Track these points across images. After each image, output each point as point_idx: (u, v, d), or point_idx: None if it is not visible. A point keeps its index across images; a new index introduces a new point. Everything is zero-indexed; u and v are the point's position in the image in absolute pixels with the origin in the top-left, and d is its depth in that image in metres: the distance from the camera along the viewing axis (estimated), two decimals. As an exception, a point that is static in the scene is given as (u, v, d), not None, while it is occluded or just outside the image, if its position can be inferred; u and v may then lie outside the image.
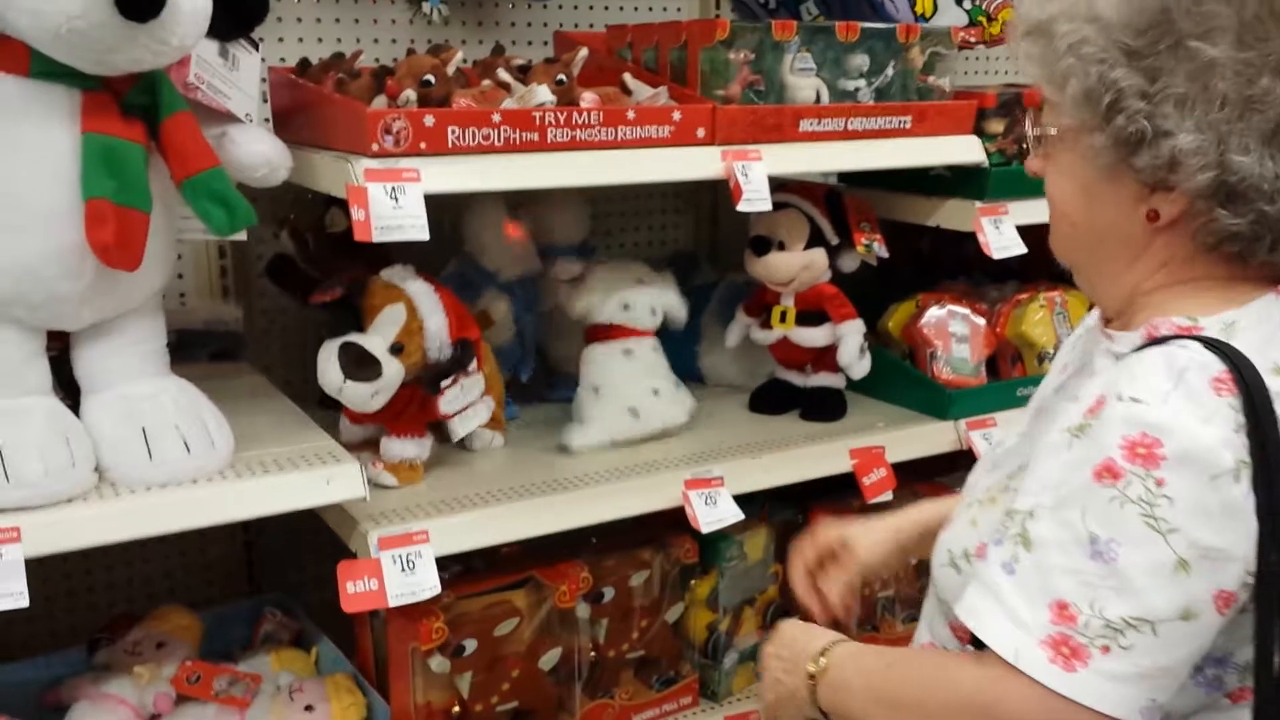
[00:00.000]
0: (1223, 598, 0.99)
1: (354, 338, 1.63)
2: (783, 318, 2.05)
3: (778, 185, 1.90)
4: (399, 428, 1.73)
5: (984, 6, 2.42)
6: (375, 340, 1.63)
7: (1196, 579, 0.97)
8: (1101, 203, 1.12)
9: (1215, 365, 1.01)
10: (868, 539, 1.49)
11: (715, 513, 1.78)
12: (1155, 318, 1.10)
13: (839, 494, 2.05)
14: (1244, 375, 1.01)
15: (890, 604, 2.13)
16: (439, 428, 1.78)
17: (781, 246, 2.01)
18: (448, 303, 1.70)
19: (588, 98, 1.71)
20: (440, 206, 1.51)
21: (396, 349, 1.64)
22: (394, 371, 1.63)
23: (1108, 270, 1.15)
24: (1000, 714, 1.01)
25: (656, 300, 1.95)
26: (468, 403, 1.74)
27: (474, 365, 1.72)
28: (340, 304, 1.65)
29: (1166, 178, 1.06)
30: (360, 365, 1.60)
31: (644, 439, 1.94)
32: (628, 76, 1.83)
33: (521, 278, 2.04)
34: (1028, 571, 1.02)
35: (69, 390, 1.49)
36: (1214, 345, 1.03)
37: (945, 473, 2.15)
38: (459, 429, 1.77)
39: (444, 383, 1.68)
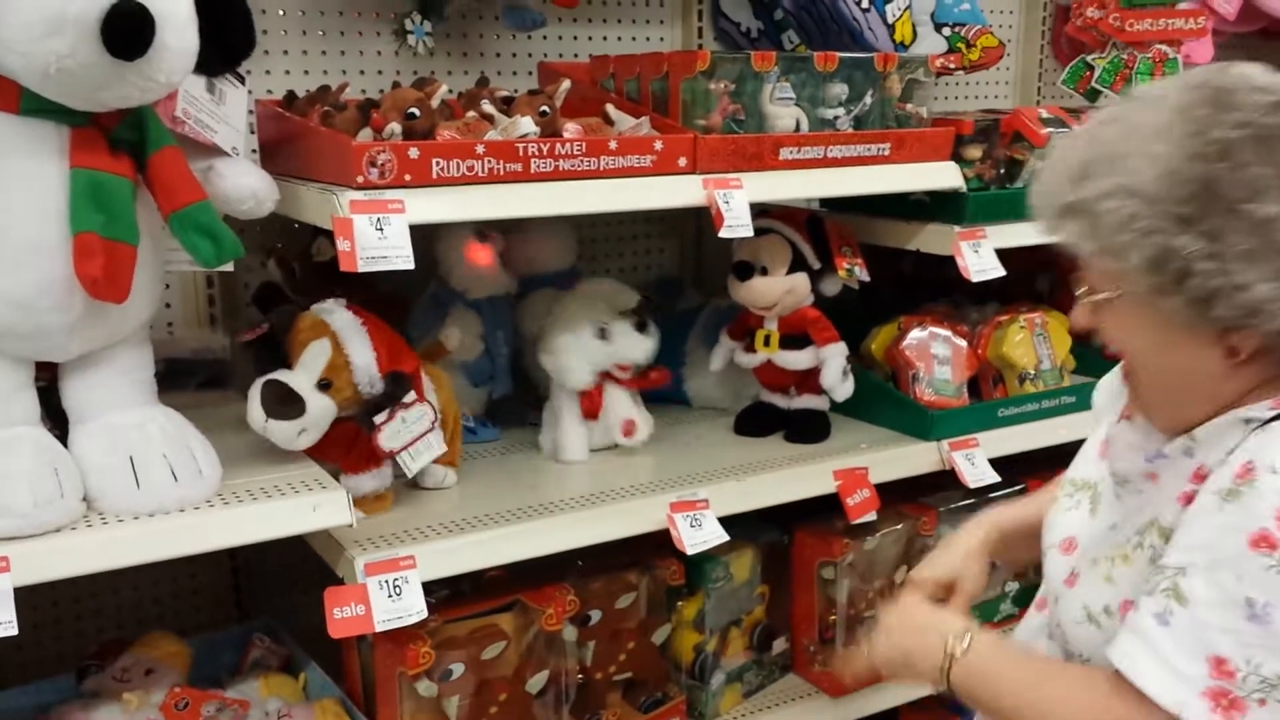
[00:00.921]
0: None
1: (278, 375, 1.61)
2: (766, 341, 2.08)
3: (760, 211, 1.93)
4: (351, 464, 1.71)
5: (963, 33, 2.45)
6: (300, 377, 1.61)
7: None
8: (1177, 350, 1.17)
9: None
10: (971, 573, 1.54)
11: (700, 535, 1.80)
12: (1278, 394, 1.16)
13: (824, 515, 2.07)
14: None
15: (875, 621, 2.13)
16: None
17: (764, 271, 2.03)
18: (376, 336, 1.67)
19: (571, 128, 1.74)
20: (416, 229, 1.53)
21: (324, 385, 1.62)
22: (320, 408, 1.61)
23: (1189, 401, 1.21)
24: None
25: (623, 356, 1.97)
26: (414, 436, 1.69)
27: (411, 397, 1.68)
28: (253, 342, 1.62)
29: (1247, 322, 1.10)
30: (283, 403, 1.57)
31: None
32: (610, 107, 1.86)
33: (491, 297, 2.07)
34: (1183, 626, 1.11)
35: (57, 420, 1.51)
36: None
37: (929, 493, 2.17)
38: (410, 464, 1.71)
39: (378, 418, 1.65)
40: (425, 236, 1.88)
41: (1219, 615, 1.09)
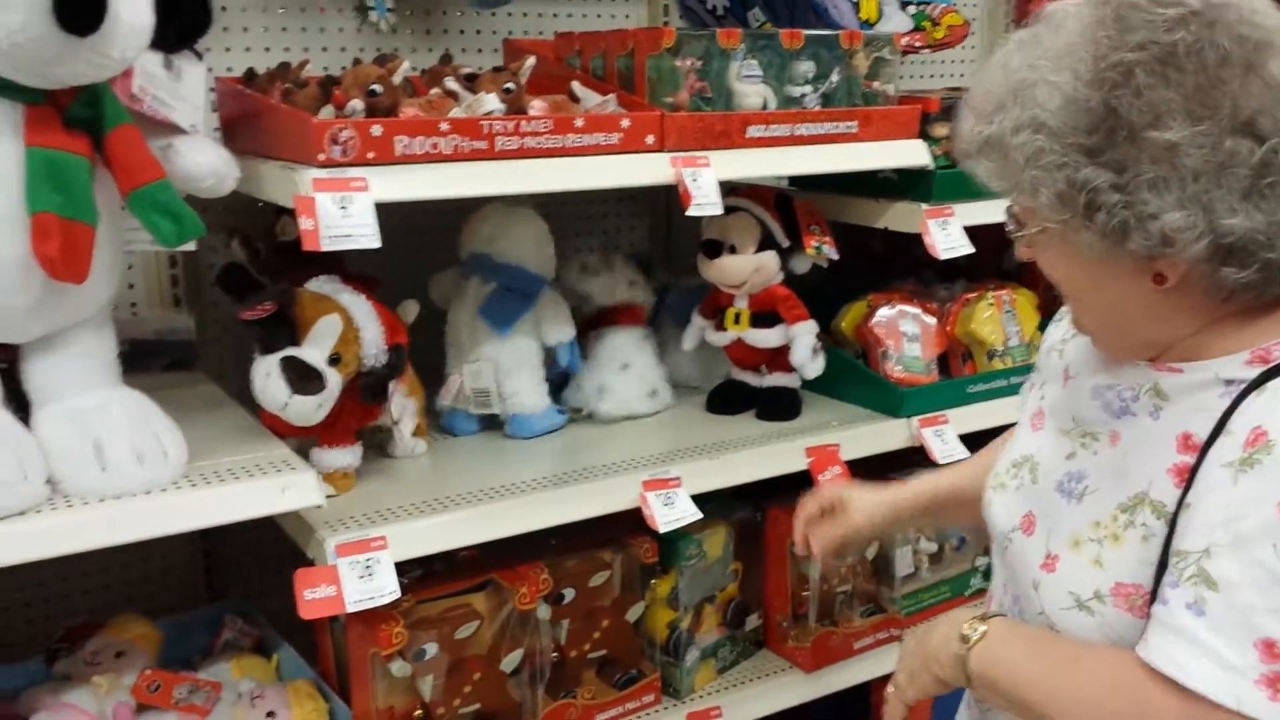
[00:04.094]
0: None
1: (293, 351, 1.61)
2: (736, 319, 2.08)
3: (728, 190, 1.93)
4: (331, 438, 1.72)
5: (928, 12, 2.46)
6: (313, 353, 1.62)
7: None
8: (1105, 281, 1.13)
9: None
10: (864, 503, 1.59)
11: (673, 513, 1.80)
12: (1252, 344, 1.11)
13: (795, 492, 2.07)
14: None
15: (849, 599, 2.16)
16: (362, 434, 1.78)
17: (733, 249, 2.03)
18: (378, 309, 1.71)
19: (536, 105, 1.73)
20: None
21: (334, 360, 1.63)
22: (335, 383, 1.63)
23: (1133, 331, 1.17)
24: None
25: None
26: (405, 408, 1.76)
27: (407, 370, 1.73)
28: (263, 320, 1.62)
29: (1164, 251, 1.06)
30: (305, 379, 1.59)
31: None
32: (576, 84, 1.85)
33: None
34: (1221, 613, 1.02)
35: (19, 403, 1.49)
36: None
37: (900, 469, 2.18)
38: (404, 434, 1.78)
39: (391, 387, 1.69)
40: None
41: (1260, 595, 1.01)
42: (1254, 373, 1.09)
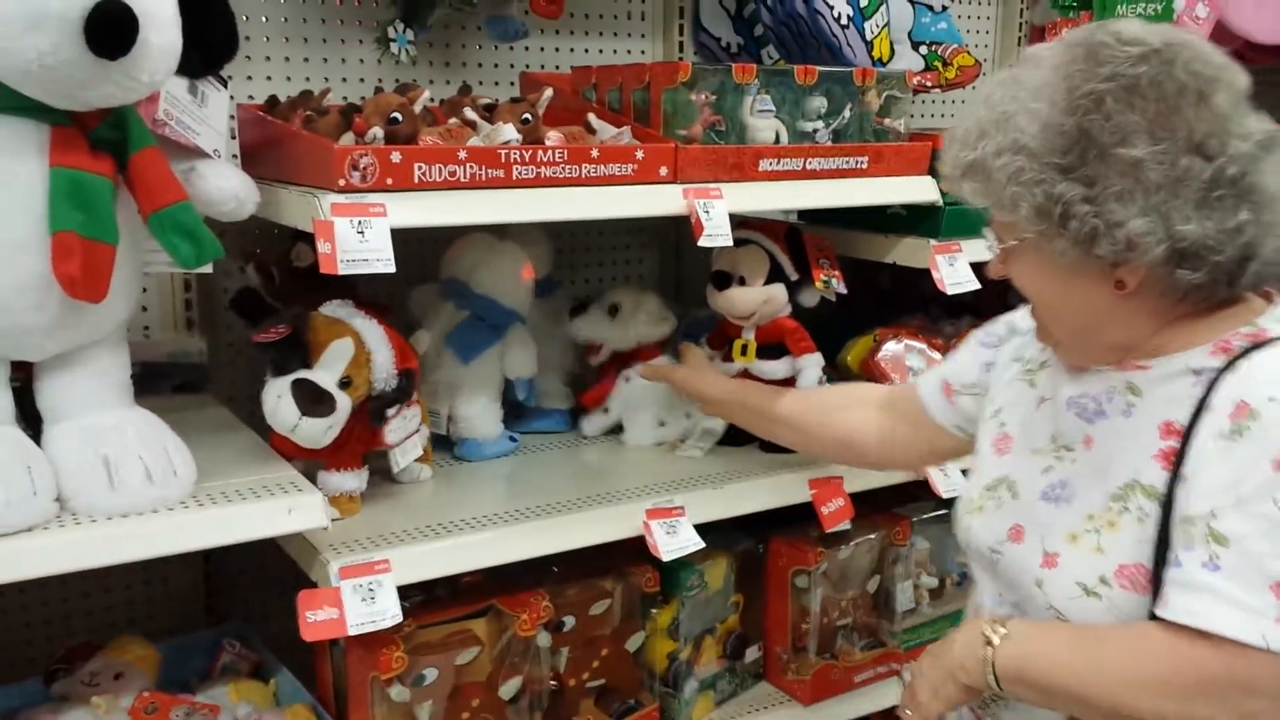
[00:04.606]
0: None
1: (305, 374, 1.63)
2: (744, 351, 2.09)
3: (739, 223, 1.94)
4: (338, 461, 1.73)
5: (940, 52, 2.48)
6: (325, 375, 1.64)
7: None
8: (1073, 288, 1.29)
9: None
10: (710, 374, 1.96)
11: (676, 541, 1.81)
12: (1210, 338, 1.26)
13: (798, 525, 2.08)
14: None
15: (849, 632, 2.16)
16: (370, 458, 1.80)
17: (742, 281, 2.05)
18: (390, 335, 1.72)
19: (552, 136, 1.75)
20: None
21: (344, 383, 1.65)
22: (345, 406, 1.64)
23: (1096, 337, 1.32)
24: (1259, 686, 1.15)
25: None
26: (409, 432, 1.77)
27: (415, 395, 1.75)
28: (277, 343, 1.64)
29: (1128, 257, 1.22)
30: (316, 402, 1.60)
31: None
32: (592, 116, 1.87)
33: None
34: (1235, 564, 1.16)
35: (31, 421, 1.50)
36: None
37: (903, 503, 2.19)
38: (400, 460, 1.79)
39: (389, 412, 1.70)
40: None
41: (1268, 543, 1.15)
42: (1219, 362, 1.24)
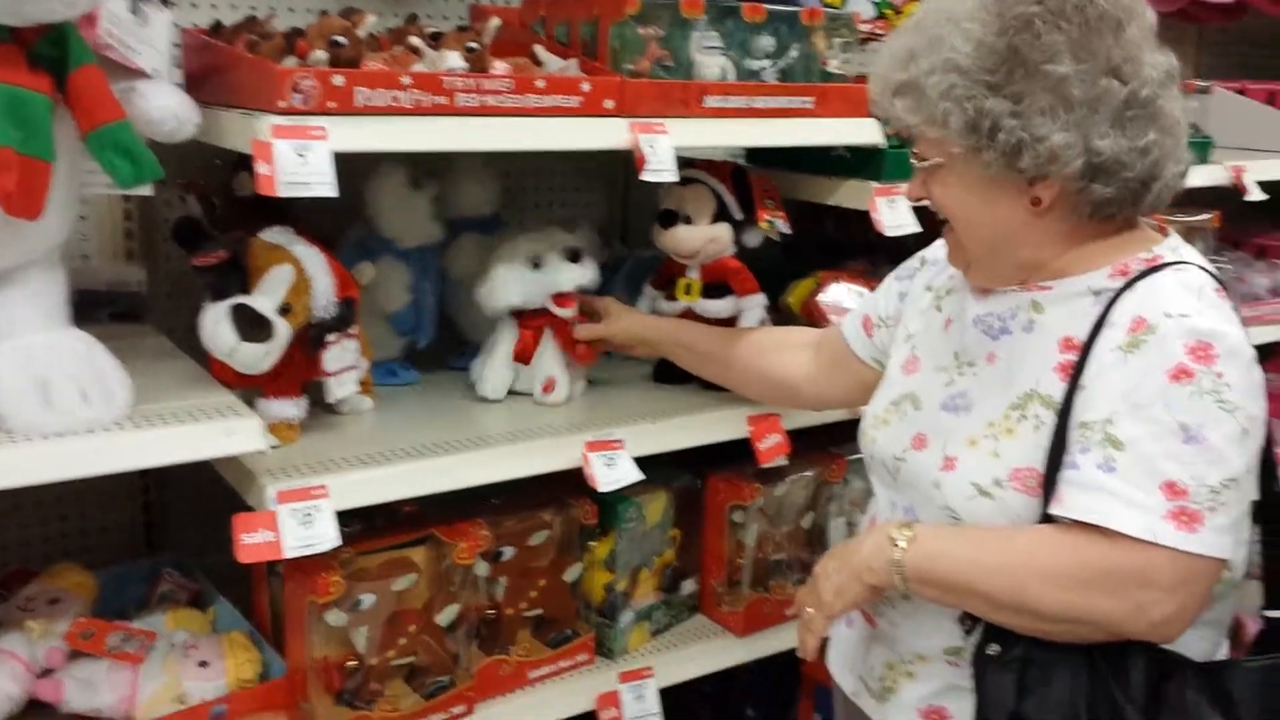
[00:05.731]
0: (1258, 452, 1.30)
1: (244, 299, 1.62)
2: (688, 290, 2.10)
3: (686, 163, 1.95)
4: (276, 388, 1.73)
5: (891, 0, 2.50)
6: (264, 301, 1.63)
7: (1252, 440, 1.27)
8: (992, 203, 1.37)
9: (1210, 280, 1.34)
10: (628, 316, 2.02)
11: (614, 474, 1.83)
12: (1110, 261, 1.36)
13: (737, 461, 2.12)
14: (1223, 284, 1.33)
15: (783, 567, 2.20)
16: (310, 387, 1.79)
17: (688, 220, 2.06)
18: (331, 262, 1.72)
19: (499, 66, 1.74)
20: (344, 173, 1.52)
21: (284, 309, 1.64)
22: (284, 332, 1.64)
23: (1008, 255, 1.41)
24: (1150, 578, 1.24)
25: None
26: (347, 364, 1.77)
27: (355, 326, 1.75)
28: (216, 267, 1.63)
29: (1048, 170, 1.31)
30: (254, 326, 1.60)
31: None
32: (539, 48, 1.86)
33: (420, 246, 2.06)
34: (1129, 465, 1.25)
35: (-35, 340, 1.49)
36: (1196, 265, 1.34)
37: (839, 442, 2.23)
38: (337, 390, 1.78)
39: (329, 337, 1.70)
40: (352, 177, 1.88)
41: (1159, 446, 1.24)
42: (1118, 283, 1.35)
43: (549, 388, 2.01)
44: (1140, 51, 1.33)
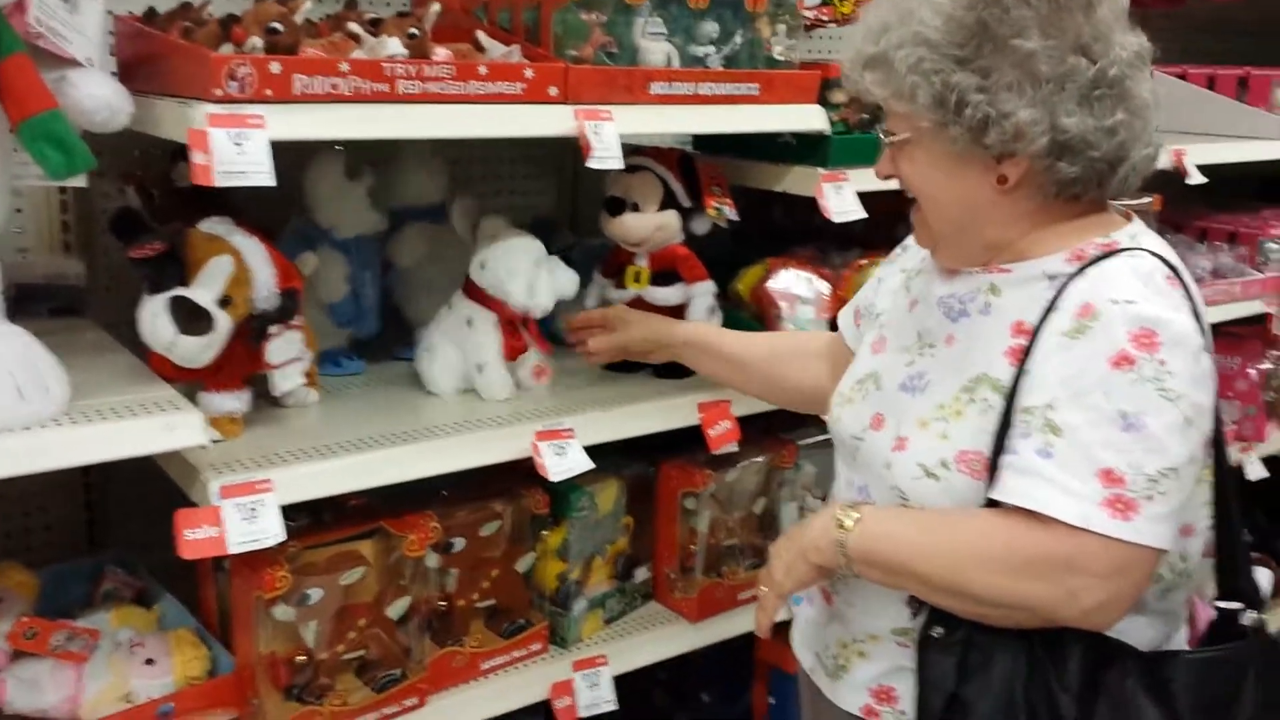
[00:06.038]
0: (1205, 442, 1.30)
1: (182, 291, 1.59)
2: (637, 278, 2.10)
3: (633, 150, 1.94)
4: (218, 382, 1.70)
5: (837, -14, 2.50)
6: (203, 293, 1.60)
7: (1195, 430, 1.26)
8: (959, 180, 1.37)
9: (1162, 267, 1.32)
10: (641, 323, 1.97)
11: (565, 463, 1.83)
12: (1068, 245, 1.36)
13: (689, 449, 2.12)
14: (1177, 272, 1.33)
15: (735, 552, 2.21)
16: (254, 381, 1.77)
17: (636, 208, 2.06)
18: (272, 253, 1.70)
19: (440, 53, 1.72)
20: (285, 162, 1.50)
21: (224, 301, 1.61)
22: (225, 324, 1.61)
23: (973, 234, 1.40)
24: (1081, 565, 1.23)
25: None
26: (291, 356, 1.74)
27: (299, 318, 1.72)
28: (153, 259, 1.60)
29: (1014, 147, 1.30)
30: (193, 319, 1.57)
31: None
32: (481, 34, 1.84)
33: (359, 236, 2.03)
34: (1066, 452, 1.24)
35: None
36: (1151, 252, 1.33)
37: (789, 428, 2.24)
38: (281, 383, 1.76)
39: (272, 329, 1.68)
40: (290, 167, 1.85)
41: (1097, 433, 1.23)
42: (1073, 268, 1.34)
43: (540, 374, 2.01)
44: (1111, 31, 1.32)
